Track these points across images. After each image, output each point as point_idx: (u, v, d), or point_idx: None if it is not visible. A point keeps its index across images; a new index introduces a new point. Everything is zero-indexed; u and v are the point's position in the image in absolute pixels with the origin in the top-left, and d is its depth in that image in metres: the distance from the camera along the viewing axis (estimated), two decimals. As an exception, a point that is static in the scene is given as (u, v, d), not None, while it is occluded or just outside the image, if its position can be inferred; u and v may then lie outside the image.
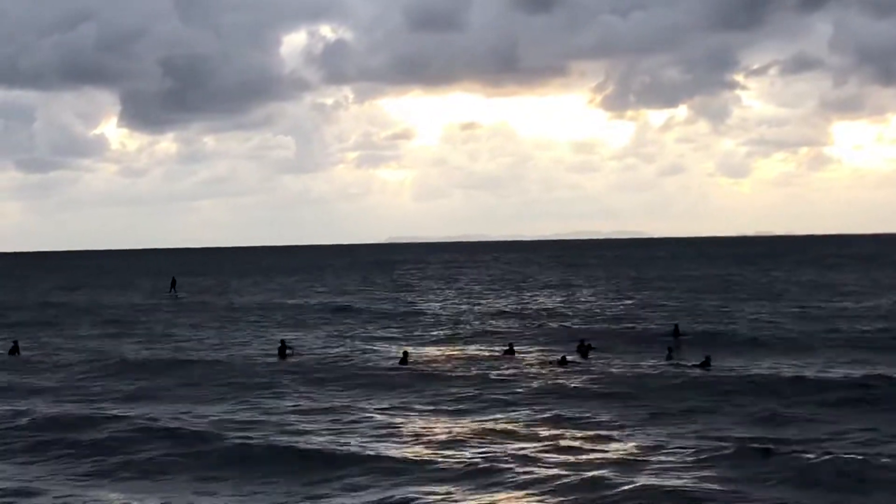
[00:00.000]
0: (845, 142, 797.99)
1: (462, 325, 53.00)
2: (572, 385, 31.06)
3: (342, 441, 23.11)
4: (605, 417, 25.97)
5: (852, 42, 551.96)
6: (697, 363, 34.92)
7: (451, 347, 43.27)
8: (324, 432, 24.33)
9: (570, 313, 59.21)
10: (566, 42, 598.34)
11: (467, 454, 21.49)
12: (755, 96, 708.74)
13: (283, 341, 41.73)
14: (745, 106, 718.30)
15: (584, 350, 39.17)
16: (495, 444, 22.68)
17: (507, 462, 20.69)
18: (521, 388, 30.82)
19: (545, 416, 26.19)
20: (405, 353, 38.00)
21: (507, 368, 35.75)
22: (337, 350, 42.77)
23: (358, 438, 23.54)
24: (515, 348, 40.36)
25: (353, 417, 26.42)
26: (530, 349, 41.83)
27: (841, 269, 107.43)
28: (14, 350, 42.99)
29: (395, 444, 22.80)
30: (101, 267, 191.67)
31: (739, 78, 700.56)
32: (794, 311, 56.53)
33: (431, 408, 28.02)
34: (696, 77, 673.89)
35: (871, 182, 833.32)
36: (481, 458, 21.07)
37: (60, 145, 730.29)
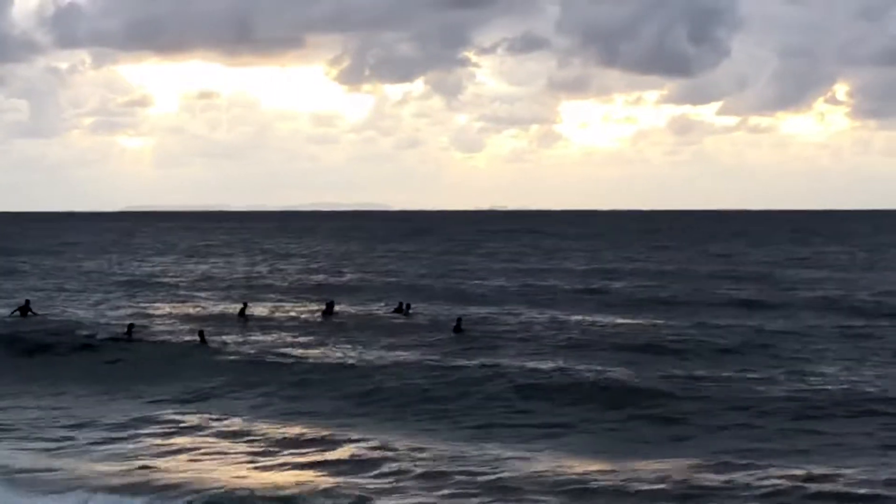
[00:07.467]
0: (573, 120, 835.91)
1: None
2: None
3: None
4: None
5: (578, 23, 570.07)
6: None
7: None
8: None
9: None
10: (300, 14, 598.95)
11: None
12: (488, 73, 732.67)
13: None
14: (478, 83, 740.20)
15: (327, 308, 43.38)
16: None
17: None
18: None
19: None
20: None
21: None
22: None
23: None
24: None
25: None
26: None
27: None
28: None
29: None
30: None
31: (471, 55, 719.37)
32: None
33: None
34: (430, 53, 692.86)
35: (598, 160, 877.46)
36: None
37: None
